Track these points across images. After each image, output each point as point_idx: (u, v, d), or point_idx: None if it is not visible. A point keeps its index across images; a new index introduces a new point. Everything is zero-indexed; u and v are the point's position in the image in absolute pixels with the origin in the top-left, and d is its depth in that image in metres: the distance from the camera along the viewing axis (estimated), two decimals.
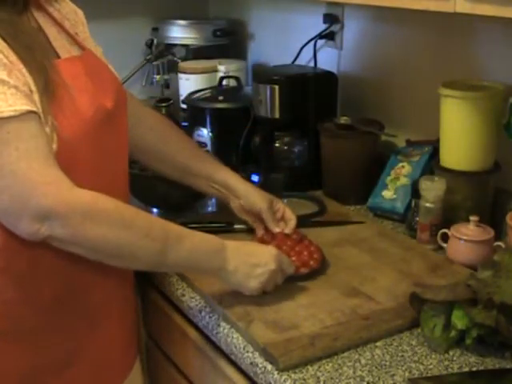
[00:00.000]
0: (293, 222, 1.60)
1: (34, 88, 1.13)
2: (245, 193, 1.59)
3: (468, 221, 1.55)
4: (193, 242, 1.25)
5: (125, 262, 1.23)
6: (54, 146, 1.15)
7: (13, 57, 1.13)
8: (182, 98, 2.40)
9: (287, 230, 1.58)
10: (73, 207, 1.11)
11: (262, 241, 1.56)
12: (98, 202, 1.14)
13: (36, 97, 1.13)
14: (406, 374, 1.18)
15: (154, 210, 1.86)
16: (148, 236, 1.18)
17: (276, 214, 1.60)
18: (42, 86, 1.14)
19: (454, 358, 1.22)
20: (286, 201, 1.76)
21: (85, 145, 1.21)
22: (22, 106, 1.09)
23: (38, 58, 1.16)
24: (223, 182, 1.60)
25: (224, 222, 1.69)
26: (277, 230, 1.58)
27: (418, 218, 1.65)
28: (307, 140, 2.02)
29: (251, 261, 1.31)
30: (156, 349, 1.68)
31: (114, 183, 1.33)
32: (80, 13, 1.44)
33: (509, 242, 1.48)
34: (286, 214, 1.61)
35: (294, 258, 1.49)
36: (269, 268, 1.32)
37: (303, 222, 1.72)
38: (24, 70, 1.13)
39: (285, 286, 1.41)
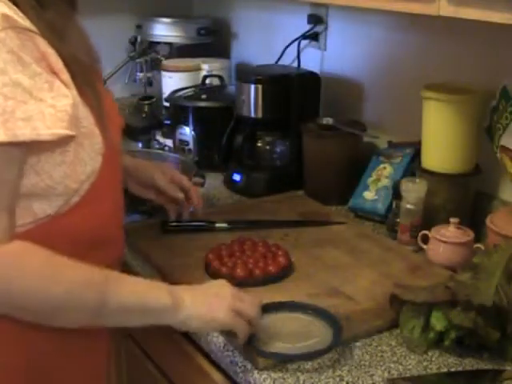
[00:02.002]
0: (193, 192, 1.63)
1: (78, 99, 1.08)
2: (134, 169, 1.56)
3: (448, 222, 1.56)
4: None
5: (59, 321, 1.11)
6: (99, 159, 1.12)
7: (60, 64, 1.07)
8: (164, 95, 2.39)
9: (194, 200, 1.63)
10: None
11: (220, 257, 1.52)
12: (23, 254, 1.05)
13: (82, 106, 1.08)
14: (385, 374, 1.18)
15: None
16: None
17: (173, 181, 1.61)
18: (94, 99, 1.11)
19: (433, 359, 1.23)
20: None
21: (118, 152, 1.21)
22: (62, 129, 1.03)
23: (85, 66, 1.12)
24: None
25: (205, 221, 1.69)
26: (180, 195, 1.59)
27: (398, 219, 1.66)
28: (289, 140, 2.03)
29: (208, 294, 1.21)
30: (135, 346, 1.68)
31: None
32: None
33: (488, 244, 1.49)
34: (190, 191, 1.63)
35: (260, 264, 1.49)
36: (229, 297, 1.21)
37: (283, 222, 1.73)
38: (69, 81, 1.07)
39: (263, 285, 1.43)
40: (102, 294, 1.09)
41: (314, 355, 1.21)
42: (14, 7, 1.04)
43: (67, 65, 1.07)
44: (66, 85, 1.06)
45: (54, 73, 1.05)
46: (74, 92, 1.07)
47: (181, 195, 1.60)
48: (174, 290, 1.17)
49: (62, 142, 1.05)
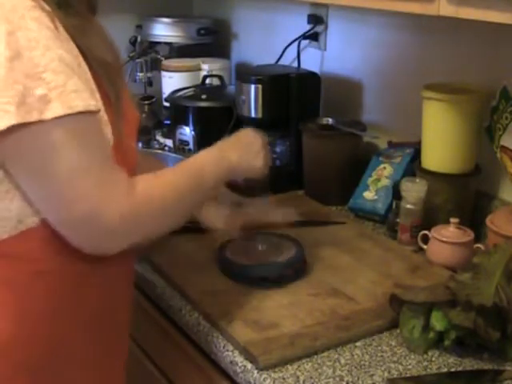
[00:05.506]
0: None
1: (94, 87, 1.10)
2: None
3: (448, 222, 1.56)
4: (210, 167, 1.26)
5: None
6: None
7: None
8: (164, 95, 2.39)
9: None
10: (139, 211, 1.10)
11: None
12: (153, 195, 1.13)
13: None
14: (385, 374, 1.18)
15: None
16: (192, 188, 1.21)
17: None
18: (113, 95, 1.12)
19: (433, 359, 1.23)
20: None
21: (131, 148, 1.21)
22: (95, 101, 1.05)
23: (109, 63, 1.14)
24: None
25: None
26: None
27: (398, 220, 1.66)
28: (289, 140, 2.03)
29: (244, 146, 1.36)
30: (135, 346, 1.68)
31: None
32: None
33: (488, 244, 1.49)
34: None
35: None
36: (260, 142, 1.39)
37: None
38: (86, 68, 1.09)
39: (265, 285, 1.43)
40: (203, 187, 1.24)
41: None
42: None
43: (84, 56, 1.08)
44: None
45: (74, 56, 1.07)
46: (89, 76, 1.08)
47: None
48: (227, 154, 1.31)
49: None
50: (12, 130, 0.98)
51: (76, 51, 1.07)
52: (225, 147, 1.33)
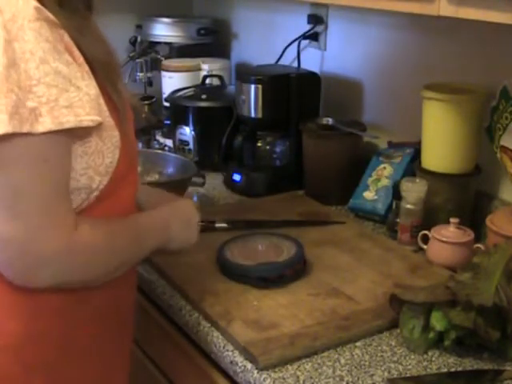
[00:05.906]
0: None
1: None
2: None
3: (448, 223, 1.56)
4: (152, 234, 1.26)
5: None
6: (117, 152, 1.12)
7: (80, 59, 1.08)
8: (164, 95, 2.39)
9: None
10: (74, 252, 1.08)
11: None
12: (89, 242, 1.10)
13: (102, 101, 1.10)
14: (385, 374, 1.18)
15: None
16: (128, 249, 1.20)
17: None
18: (116, 96, 1.12)
19: (433, 359, 1.23)
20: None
21: (134, 147, 1.23)
22: (97, 116, 1.05)
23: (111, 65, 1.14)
24: None
25: (205, 221, 1.69)
26: None
27: (398, 220, 1.66)
28: (289, 140, 2.03)
29: (186, 221, 1.33)
30: (135, 346, 1.68)
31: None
32: None
33: (488, 244, 1.49)
34: None
35: None
36: (197, 217, 1.36)
37: (283, 222, 1.74)
38: (90, 73, 1.08)
39: (265, 285, 1.43)
40: (141, 246, 1.23)
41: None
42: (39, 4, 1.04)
43: (86, 59, 1.08)
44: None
45: (78, 65, 1.06)
46: (95, 83, 1.08)
47: None
48: (169, 225, 1.30)
49: (84, 133, 1.06)
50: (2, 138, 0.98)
51: (81, 59, 1.06)
52: (170, 218, 1.31)
